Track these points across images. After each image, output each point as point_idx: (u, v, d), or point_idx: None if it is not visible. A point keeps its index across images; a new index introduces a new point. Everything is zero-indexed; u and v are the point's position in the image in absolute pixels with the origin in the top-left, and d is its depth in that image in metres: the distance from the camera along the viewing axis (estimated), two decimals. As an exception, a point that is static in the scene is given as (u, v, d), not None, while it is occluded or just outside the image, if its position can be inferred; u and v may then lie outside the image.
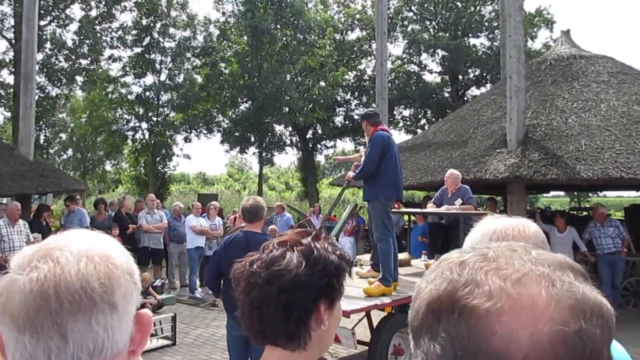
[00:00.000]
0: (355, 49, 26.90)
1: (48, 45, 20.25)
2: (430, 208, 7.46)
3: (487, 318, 0.55)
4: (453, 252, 0.65)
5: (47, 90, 20.81)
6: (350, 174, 5.95)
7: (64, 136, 31.50)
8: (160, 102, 22.31)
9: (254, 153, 24.53)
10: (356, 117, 25.85)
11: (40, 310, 0.71)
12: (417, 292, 0.63)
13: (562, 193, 28.02)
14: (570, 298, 0.55)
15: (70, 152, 32.26)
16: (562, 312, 0.54)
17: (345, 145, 49.31)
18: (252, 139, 23.56)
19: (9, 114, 20.80)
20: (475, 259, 0.60)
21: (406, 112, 27.58)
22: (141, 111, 22.39)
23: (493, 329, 0.54)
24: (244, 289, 1.11)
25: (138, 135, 22.87)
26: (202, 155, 71.90)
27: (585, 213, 15.11)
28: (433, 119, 25.01)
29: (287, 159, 72.19)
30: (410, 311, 0.64)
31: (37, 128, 23.08)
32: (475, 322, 0.55)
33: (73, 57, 20.88)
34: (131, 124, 22.82)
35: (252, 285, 1.10)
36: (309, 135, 27.59)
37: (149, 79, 22.53)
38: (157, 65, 22.26)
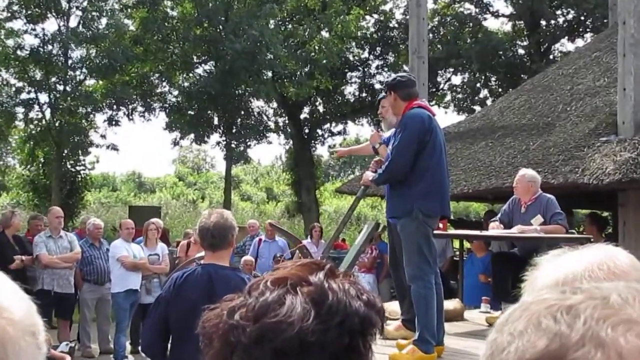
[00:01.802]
0: (377, -21, 27.04)
1: None
2: (495, 230, 7.46)
3: None
4: (543, 290, 0.68)
5: None
6: (369, 174, 5.95)
7: None
8: (70, 62, 22.38)
9: (217, 143, 24.61)
10: (378, 86, 25.91)
11: None
12: (494, 350, 0.66)
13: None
14: None
15: None
16: None
17: (361, 130, 49.41)
18: (216, 121, 23.62)
19: None
20: (593, 304, 0.63)
21: (457, 79, 27.76)
22: (39, 75, 22.46)
23: None
24: (218, 351, 1.12)
25: (34, 114, 22.94)
26: (136, 147, 72.32)
27: None
28: (499, 90, 25.10)
29: (271, 152, 72.50)
30: None
31: None
32: None
33: None
34: (23, 96, 22.87)
35: (232, 345, 1.10)
36: (304, 116, 27.70)
37: (52, 25, 22.63)
38: (64, 4, 22.33)
